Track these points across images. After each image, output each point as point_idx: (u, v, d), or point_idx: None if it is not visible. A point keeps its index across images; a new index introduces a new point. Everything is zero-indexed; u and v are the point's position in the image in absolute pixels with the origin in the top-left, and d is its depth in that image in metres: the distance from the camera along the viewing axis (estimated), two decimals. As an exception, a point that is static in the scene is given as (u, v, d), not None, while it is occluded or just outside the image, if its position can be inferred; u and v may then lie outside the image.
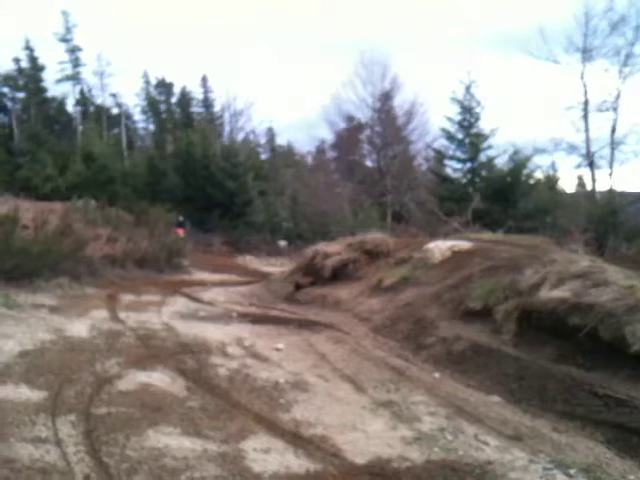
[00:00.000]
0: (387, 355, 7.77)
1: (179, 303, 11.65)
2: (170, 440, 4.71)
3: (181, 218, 26.15)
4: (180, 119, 49.61)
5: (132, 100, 49.49)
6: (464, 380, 6.70)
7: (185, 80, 58.07)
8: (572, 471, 4.43)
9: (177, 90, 50.68)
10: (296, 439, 4.91)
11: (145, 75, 49.39)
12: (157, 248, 16.99)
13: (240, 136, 46.38)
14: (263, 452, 4.60)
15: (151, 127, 51.82)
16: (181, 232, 24.59)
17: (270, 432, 5.03)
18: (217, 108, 49.60)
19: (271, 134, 51.15)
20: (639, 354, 5.90)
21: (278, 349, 7.98)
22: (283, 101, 69.83)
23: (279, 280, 14.55)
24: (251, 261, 24.83)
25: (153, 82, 49.87)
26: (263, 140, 50.89)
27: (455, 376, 6.86)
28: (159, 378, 6.36)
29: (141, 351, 7.56)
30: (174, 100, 51.18)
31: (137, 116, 50.72)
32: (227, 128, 47.58)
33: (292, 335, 8.96)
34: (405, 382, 6.62)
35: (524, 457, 4.67)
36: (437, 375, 6.93)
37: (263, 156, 48.14)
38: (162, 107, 50.94)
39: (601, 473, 4.46)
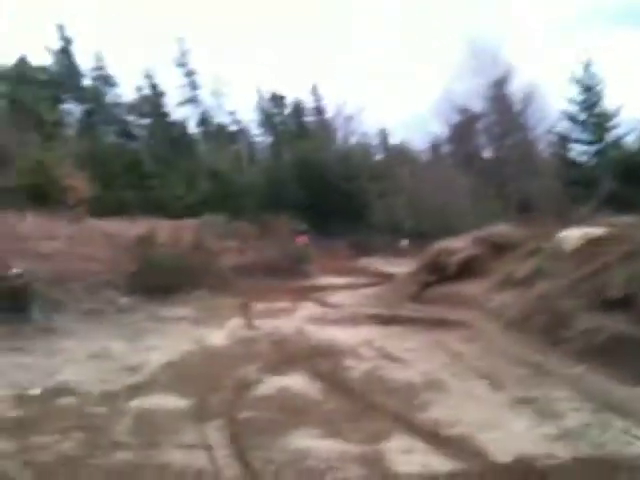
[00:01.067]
0: (523, 351, 7.54)
1: (308, 308, 11.95)
2: (312, 442, 4.85)
3: (303, 226, 26.68)
4: (294, 129, 50.83)
5: (248, 115, 51.29)
6: (608, 373, 6.35)
7: (297, 91, 59.27)
8: None
9: (289, 101, 51.99)
10: (436, 439, 4.89)
11: (259, 90, 51.08)
12: (282, 256, 17.53)
13: (353, 140, 46.78)
14: (404, 452, 4.62)
15: (268, 139, 53.47)
16: (303, 239, 25.18)
17: (409, 432, 5.05)
18: (329, 114, 50.36)
19: (384, 134, 51.13)
20: None
21: (409, 349, 7.98)
22: (395, 100, 69.36)
23: (404, 280, 14.49)
24: (374, 263, 24.91)
25: (266, 96, 51.45)
26: (376, 141, 51.02)
27: (598, 369, 6.52)
28: (295, 382, 6.56)
29: (277, 356, 7.83)
30: (287, 111, 52.52)
31: (254, 130, 52.54)
32: (340, 133, 48.16)
33: (421, 334, 8.92)
34: (544, 377, 6.41)
35: (680, 451, 4.39)
36: (578, 369, 6.63)
37: (378, 157, 48.21)
38: (277, 119, 52.42)
39: None
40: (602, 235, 10.44)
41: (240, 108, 48.26)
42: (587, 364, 6.76)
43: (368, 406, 5.78)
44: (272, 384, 6.47)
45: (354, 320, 10.43)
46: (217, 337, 8.96)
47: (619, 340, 6.90)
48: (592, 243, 10.18)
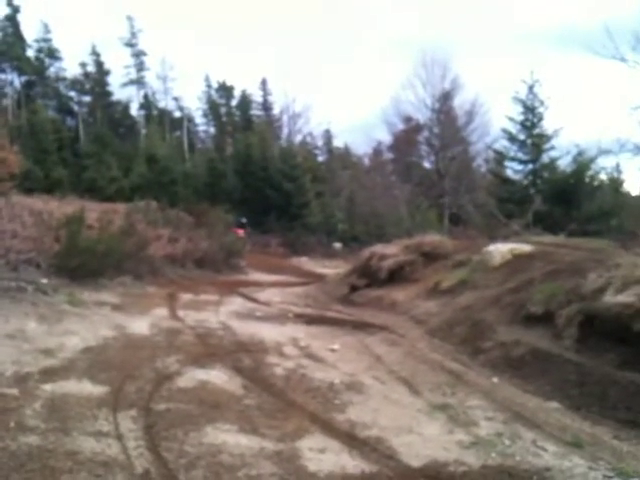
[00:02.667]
0: (443, 358, 7.68)
1: (236, 303, 11.84)
2: (227, 437, 4.79)
3: (243, 220, 26.84)
4: (240, 122, 50.46)
5: (194, 103, 50.70)
6: (523, 385, 6.55)
7: (245, 83, 58.90)
8: (634, 480, 4.29)
9: (237, 93, 51.59)
10: (351, 440, 4.91)
11: (207, 79, 50.43)
12: (216, 249, 17.32)
13: (298, 138, 46.85)
14: (318, 452, 4.62)
15: (212, 130, 52.87)
16: (241, 232, 25.11)
17: (325, 432, 5.05)
18: (276, 111, 50.23)
19: (328, 136, 51.43)
20: None
21: (333, 350, 8.00)
22: (341, 103, 69.89)
23: (334, 282, 14.58)
24: (306, 262, 24.98)
25: (214, 85, 50.87)
26: (320, 142, 51.24)
27: (513, 381, 6.71)
28: (217, 376, 6.47)
29: (199, 349, 7.71)
30: (234, 103, 52.08)
31: (198, 119, 51.94)
32: (285, 130, 48.15)
33: (347, 336, 8.96)
34: (462, 386, 6.53)
35: (583, 464, 4.55)
36: (495, 380, 6.80)
37: (320, 158, 48.43)
38: (223, 110, 51.88)
39: (665, 483, 4.31)
40: (528, 252, 10.79)
41: (186, 95, 47.49)
42: (504, 375, 6.94)
43: (287, 404, 5.76)
44: (192, 377, 6.35)
45: (281, 318, 10.39)
46: (139, 326, 8.73)
47: (536, 354, 7.12)
48: (518, 259, 10.50)
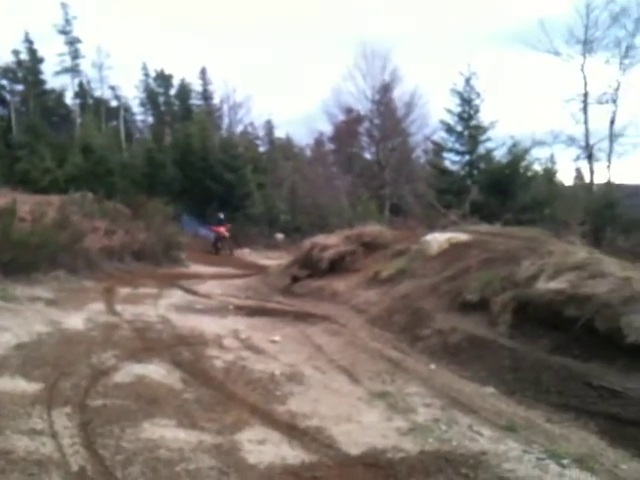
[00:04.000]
0: (383, 347, 7.77)
1: (176, 296, 11.67)
2: (165, 432, 4.73)
3: (221, 215, 25.20)
4: (179, 111, 49.59)
5: (131, 92, 49.58)
6: (459, 371, 6.70)
7: (184, 72, 57.73)
8: (565, 461, 4.44)
9: (176, 82, 50.64)
10: (291, 430, 4.93)
11: (144, 67, 49.30)
12: (155, 241, 16.99)
13: (239, 128, 46.38)
14: (258, 443, 4.62)
15: (150, 119, 51.76)
16: (223, 231, 24.18)
17: (265, 424, 5.05)
18: (216, 100, 49.59)
19: (270, 127, 51.12)
20: (634, 345, 5.89)
21: (274, 341, 7.99)
22: (282, 94, 69.57)
23: (276, 273, 14.55)
24: (248, 254, 24.83)
25: (152, 74, 49.81)
26: (262, 133, 50.90)
27: (451, 367, 6.86)
28: (155, 370, 6.38)
29: (137, 344, 7.58)
30: (173, 92, 51.11)
31: (136, 108, 50.73)
32: (226, 120, 47.58)
33: (288, 327, 8.96)
34: (401, 373, 6.63)
35: (518, 447, 4.68)
36: (433, 366, 6.93)
37: (262, 149, 48.09)
38: (161, 99, 50.86)
39: (594, 463, 4.47)
40: (465, 241, 11.02)
41: (123, 84, 46.35)
42: (441, 362, 7.08)
43: (227, 397, 5.73)
44: (129, 372, 6.24)
45: (221, 310, 10.30)
46: (75, 321, 8.50)
47: (472, 340, 7.30)
48: (455, 247, 10.71)
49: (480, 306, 8.01)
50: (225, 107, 47.22)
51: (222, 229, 24.24)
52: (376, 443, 4.70)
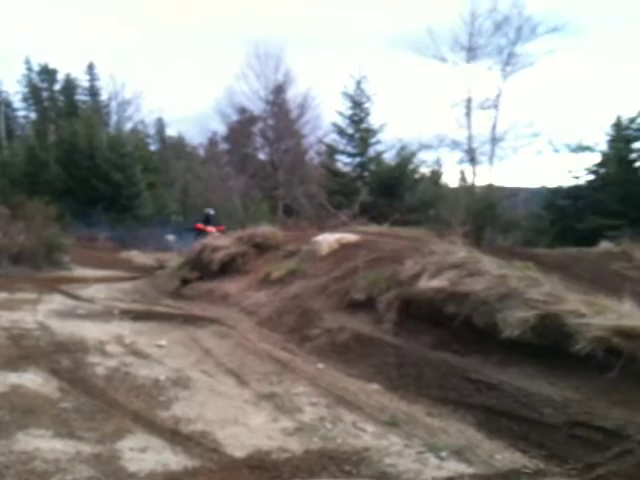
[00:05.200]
0: (272, 348, 7.76)
1: (56, 301, 11.11)
2: (41, 443, 4.48)
3: (211, 211, 20.23)
4: (64, 108, 47.43)
5: (12, 87, 46.81)
6: (346, 370, 6.80)
7: (70, 67, 55.15)
8: (443, 454, 4.62)
9: (61, 77, 48.42)
10: (175, 436, 4.81)
11: (27, 61, 46.78)
12: (35, 243, 16.13)
13: (128, 126, 45.01)
14: (140, 451, 4.47)
15: (33, 116, 49.19)
16: (214, 231, 18.42)
17: (148, 430, 4.91)
18: (104, 97, 47.86)
19: (161, 125, 50.03)
20: (509, 340, 6.21)
21: (160, 346, 7.78)
22: (174, 92, 68.12)
23: (165, 275, 14.22)
24: (137, 256, 24.05)
25: (36, 68, 47.37)
26: (152, 131, 49.66)
27: (338, 366, 6.95)
28: (31, 379, 6.03)
29: (12, 351, 7.14)
30: (58, 88, 48.83)
31: (17, 104, 48.09)
32: (114, 118, 46.06)
33: (176, 331, 8.76)
34: (288, 374, 6.65)
35: (399, 442, 4.82)
36: (320, 366, 7.00)
37: (152, 147, 46.92)
38: (45, 95, 48.49)
39: (471, 454, 4.68)
40: (354, 241, 11.25)
41: (4, 78, 43.74)
42: (329, 361, 7.17)
43: (108, 404, 5.51)
44: (2, 381, 5.85)
45: (105, 315, 9.91)
46: (-60, 329, 7.91)
47: (359, 339, 7.45)
48: (345, 248, 10.91)
49: (367, 305, 8.19)
50: (113, 104, 45.76)
51: (212, 229, 18.74)
52: (262, 445, 4.68)
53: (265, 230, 14.01)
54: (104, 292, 12.67)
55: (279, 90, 38.88)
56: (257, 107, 39.35)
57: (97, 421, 5.05)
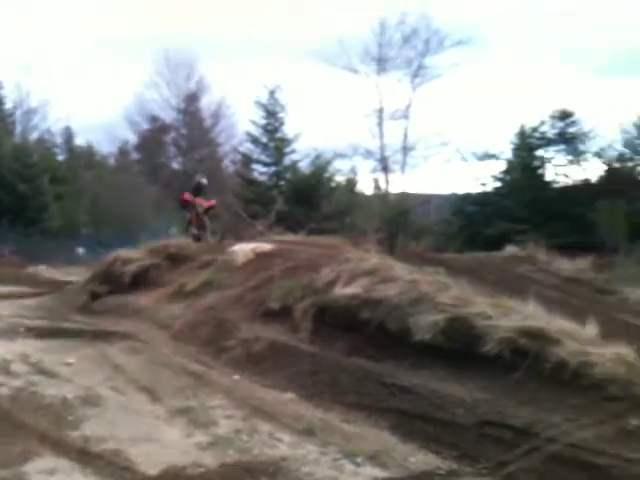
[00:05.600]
0: (187, 361, 7.63)
1: (-46, 320, 10.49)
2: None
3: (204, 180, 16.10)
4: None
5: None
6: (262, 380, 6.79)
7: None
8: (359, 459, 4.69)
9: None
10: (85, 456, 4.65)
11: None
12: None
13: (34, 135, 43.22)
14: (48, 474, 4.31)
15: None
16: (204, 204, 15.29)
17: (56, 452, 4.72)
18: (8, 105, 45.70)
19: (69, 133, 48.12)
20: (421, 343, 6.39)
21: (68, 363, 7.47)
22: (83, 100, 65.96)
23: (74, 290, 13.69)
24: (45, 271, 23.06)
25: None
26: (60, 140, 47.83)
27: (254, 377, 6.92)
28: None
29: None
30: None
31: None
32: (19, 127, 44.08)
33: (85, 348, 8.43)
34: (203, 387, 6.56)
35: (316, 450, 4.86)
36: (236, 377, 6.95)
37: (60, 157, 45.18)
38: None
39: (386, 458, 4.77)
40: (270, 250, 11.23)
41: None
42: (245, 372, 7.13)
43: (14, 426, 5.26)
44: None
45: (9, 333, 9.39)
46: None
47: (274, 348, 7.45)
48: (261, 257, 10.87)
49: (283, 314, 8.20)
50: (18, 112, 43.80)
51: (204, 204, 15.30)
52: (176, 461, 4.59)
53: (178, 241, 13.78)
54: (8, 309, 12.03)
55: (192, 98, 38.47)
56: (169, 115, 38.87)
57: (2, 444, 4.81)
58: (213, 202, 15.79)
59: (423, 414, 5.53)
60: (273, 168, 32.16)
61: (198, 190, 15.46)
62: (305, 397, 6.22)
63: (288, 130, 32.72)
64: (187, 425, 5.43)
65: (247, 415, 5.69)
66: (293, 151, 32.43)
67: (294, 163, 32.15)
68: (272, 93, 32.25)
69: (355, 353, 6.91)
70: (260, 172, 33.17)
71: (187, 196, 15.24)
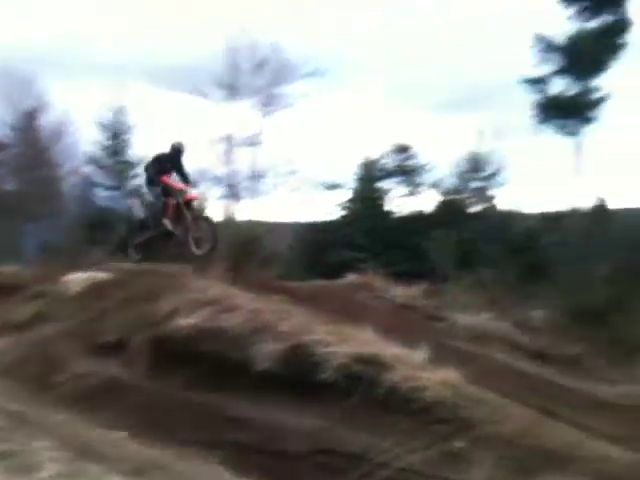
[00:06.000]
0: (7, 400, 7.07)
1: None
2: None
3: (181, 144, 12.28)
4: None
5: None
6: (93, 418, 6.46)
7: None
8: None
9: None
10: None
11: None
12: None
13: None
14: None
15: None
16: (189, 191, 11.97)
17: None
18: None
19: None
20: (262, 373, 6.42)
21: None
22: None
23: None
24: None
25: None
26: None
27: (84, 415, 6.57)
28: None
29: None
30: None
31: None
32: None
33: None
34: (25, 428, 6.08)
35: (145, 491, 4.71)
36: (62, 416, 6.57)
37: None
38: None
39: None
40: (107, 280, 10.79)
41: None
42: (74, 410, 6.77)
43: None
44: None
45: None
46: None
47: (108, 384, 7.17)
48: (96, 287, 10.41)
49: (119, 347, 7.91)
50: None
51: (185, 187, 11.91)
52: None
53: (9, 269, 12.85)
54: None
55: (29, 116, 36.14)
56: (3, 133, 36.06)
57: None
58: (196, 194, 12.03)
59: (258, 446, 5.57)
60: (116, 192, 31.01)
61: (174, 160, 11.81)
62: (138, 435, 6.02)
63: (135, 152, 31.78)
64: (5, 472, 5.02)
65: (74, 457, 5.37)
66: (138, 175, 31.49)
67: (140, 187, 31.19)
68: (116, 114, 31.23)
69: (193, 386, 6.81)
70: (103, 196, 31.84)
71: (165, 179, 11.83)
